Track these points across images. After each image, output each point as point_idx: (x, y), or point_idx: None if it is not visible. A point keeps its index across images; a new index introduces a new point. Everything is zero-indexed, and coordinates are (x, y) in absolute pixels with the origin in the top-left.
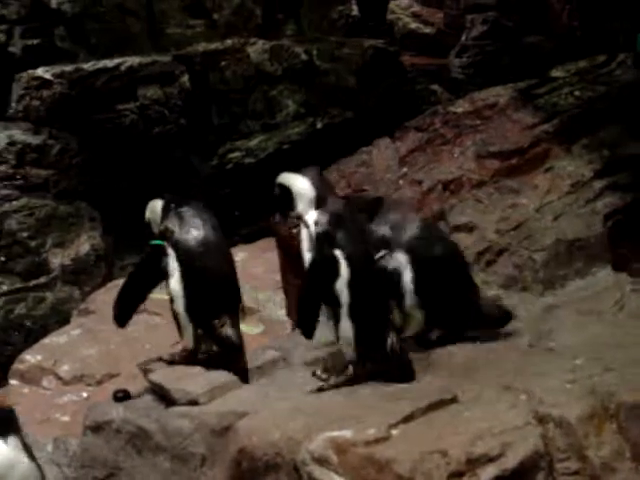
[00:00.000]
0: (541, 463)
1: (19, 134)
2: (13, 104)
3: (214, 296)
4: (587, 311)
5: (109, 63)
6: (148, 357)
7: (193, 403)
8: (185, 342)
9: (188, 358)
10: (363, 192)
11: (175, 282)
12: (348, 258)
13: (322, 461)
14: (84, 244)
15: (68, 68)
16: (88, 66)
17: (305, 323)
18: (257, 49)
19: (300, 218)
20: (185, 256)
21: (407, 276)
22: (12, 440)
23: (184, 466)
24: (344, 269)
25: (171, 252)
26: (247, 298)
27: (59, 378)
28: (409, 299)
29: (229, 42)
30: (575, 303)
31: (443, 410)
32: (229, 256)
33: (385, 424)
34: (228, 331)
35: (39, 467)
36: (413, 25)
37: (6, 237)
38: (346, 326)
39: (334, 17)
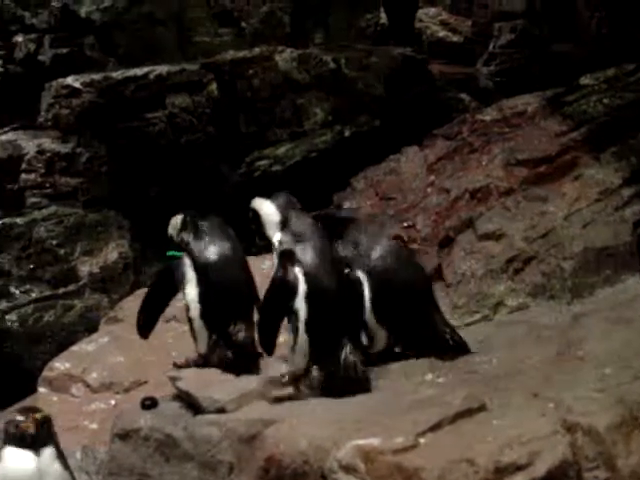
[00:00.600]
0: (570, 472)
1: (48, 142)
2: (42, 112)
3: (229, 302)
4: (616, 319)
5: (138, 72)
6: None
7: (221, 411)
8: (199, 348)
9: (200, 363)
10: (339, 209)
11: (191, 289)
12: (307, 274)
13: (350, 469)
14: (112, 252)
15: (97, 77)
16: (117, 75)
17: (265, 339)
18: (285, 57)
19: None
20: (200, 263)
21: (366, 296)
22: (47, 450)
23: (212, 474)
24: (302, 285)
25: (187, 261)
26: None
27: (87, 386)
28: (369, 317)
29: (257, 50)
30: (604, 311)
31: (471, 418)
32: (244, 263)
33: (413, 432)
34: (243, 337)
35: (72, 476)
36: (441, 33)
37: (35, 245)
38: (302, 340)
39: (362, 25)
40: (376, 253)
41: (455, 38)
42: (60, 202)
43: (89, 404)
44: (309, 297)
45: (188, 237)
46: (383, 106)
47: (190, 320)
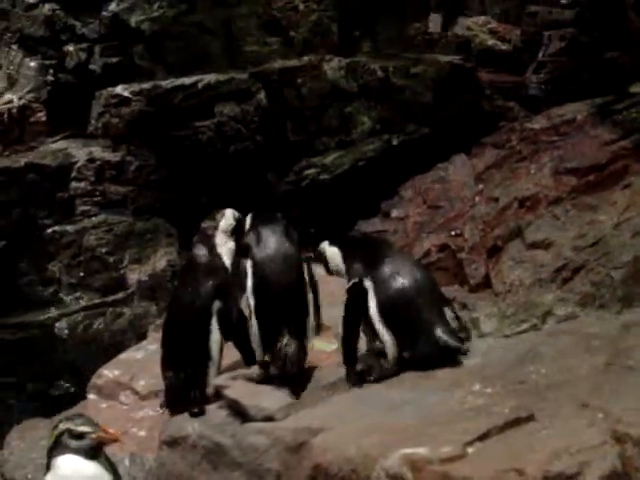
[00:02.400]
0: None
1: (98, 151)
2: (92, 121)
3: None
4: None
5: (187, 80)
6: (223, 373)
7: (268, 419)
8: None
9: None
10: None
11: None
12: (255, 265)
13: (397, 478)
14: (161, 260)
15: (146, 85)
16: (166, 83)
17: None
18: (333, 66)
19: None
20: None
21: (372, 303)
22: (101, 460)
23: None
24: (250, 277)
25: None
26: (323, 315)
27: (136, 393)
28: (376, 324)
29: (305, 59)
30: None
31: (519, 428)
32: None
33: (461, 442)
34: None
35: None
36: (490, 42)
37: (85, 253)
38: (254, 328)
39: (410, 34)
40: (381, 262)
41: (504, 46)
42: (110, 210)
43: (137, 411)
44: (256, 287)
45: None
46: (431, 114)
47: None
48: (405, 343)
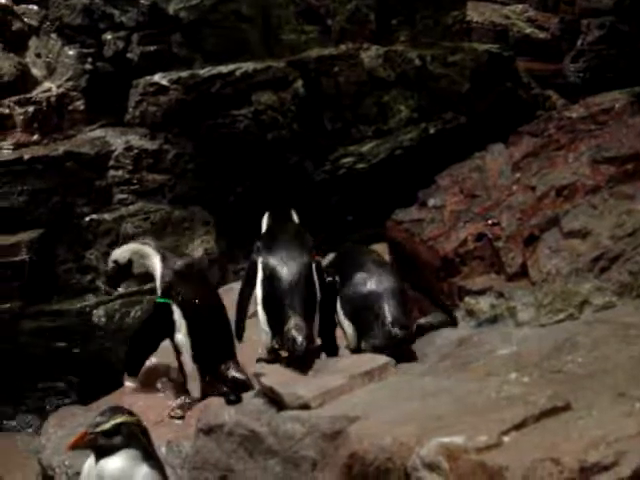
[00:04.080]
0: None
1: (136, 139)
2: (130, 110)
3: (217, 345)
4: None
5: (224, 69)
6: (255, 360)
7: (304, 407)
8: (193, 392)
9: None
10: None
11: (182, 336)
12: (264, 263)
13: (433, 467)
14: (198, 248)
15: (184, 74)
16: (204, 72)
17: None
18: (371, 55)
19: None
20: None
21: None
22: (130, 451)
23: (295, 470)
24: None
25: (176, 309)
26: None
27: (172, 381)
28: (340, 317)
29: (343, 48)
30: None
31: (556, 417)
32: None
33: (497, 431)
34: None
35: (160, 473)
36: (528, 30)
37: (122, 241)
38: (261, 317)
39: (448, 22)
40: (350, 264)
41: (542, 35)
42: (147, 198)
43: (174, 399)
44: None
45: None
46: (468, 103)
47: (181, 365)
48: (362, 335)
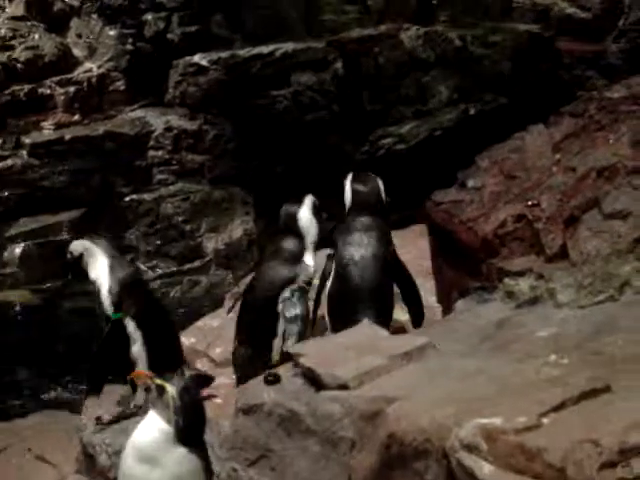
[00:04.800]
0: None
1: (175, 120)
2: (170, 90)
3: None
4: None
5: (264, 49)
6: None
7: (343, 387)
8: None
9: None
10: None
11: (138, 347)
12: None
13: (472, 448)
14: (237, 228)
15: (224, 54)
16: (243, 52)
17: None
18: (411, 35)
19: None
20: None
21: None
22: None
23: (333, 450)
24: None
25: (129, 321)
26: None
27: (212, 360)
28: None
29: (383, 28)
30: None
31: (595, 399)
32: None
33: (536, 412)
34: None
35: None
36: (569, 10)
37: (162, 221)
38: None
39: (489, 2)
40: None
41: (583, 14)
42: (186, 179)
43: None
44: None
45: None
46: (509, 84)
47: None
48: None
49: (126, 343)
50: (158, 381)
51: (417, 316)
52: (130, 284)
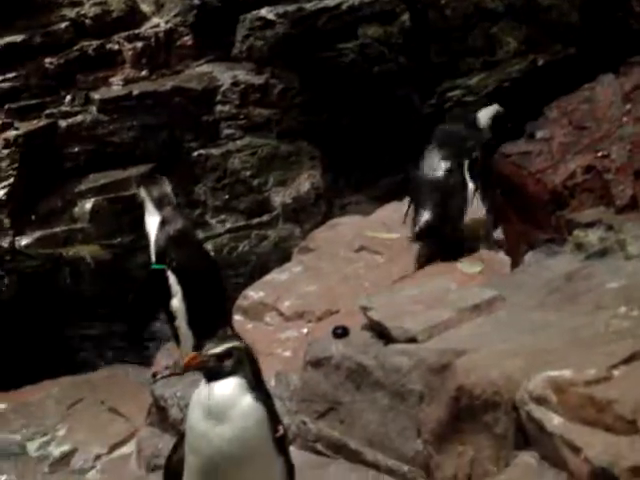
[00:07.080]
0: None
1: (242, 74)
2: (237, 44)
3: (212, 311)
4: None
5: (330, 2)
6: (367, 294)
7: (411, 340)
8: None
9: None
10: None
11: (177, 301)
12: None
13: (541, 401)
14: (304, 183)
15: (291, 8)
16: (310, 6)
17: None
18: None
19: None
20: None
21: None
22: (237, 379)
23: (402, 403)
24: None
25: (171, 275)
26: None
27: (281, 314)
28: None
29: None
30: None
31: None
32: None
33: (606, 364)
34: None
35: (266, 405)
36: None
37: (230, 176)
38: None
39: None
40: None
41: None
42: (254, 133)
43: (282, 332)
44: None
45: None
46: (578, 34)
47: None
48: None
49: (167, 295)
50: (213, 351)
51: None
52: (177, 238)
